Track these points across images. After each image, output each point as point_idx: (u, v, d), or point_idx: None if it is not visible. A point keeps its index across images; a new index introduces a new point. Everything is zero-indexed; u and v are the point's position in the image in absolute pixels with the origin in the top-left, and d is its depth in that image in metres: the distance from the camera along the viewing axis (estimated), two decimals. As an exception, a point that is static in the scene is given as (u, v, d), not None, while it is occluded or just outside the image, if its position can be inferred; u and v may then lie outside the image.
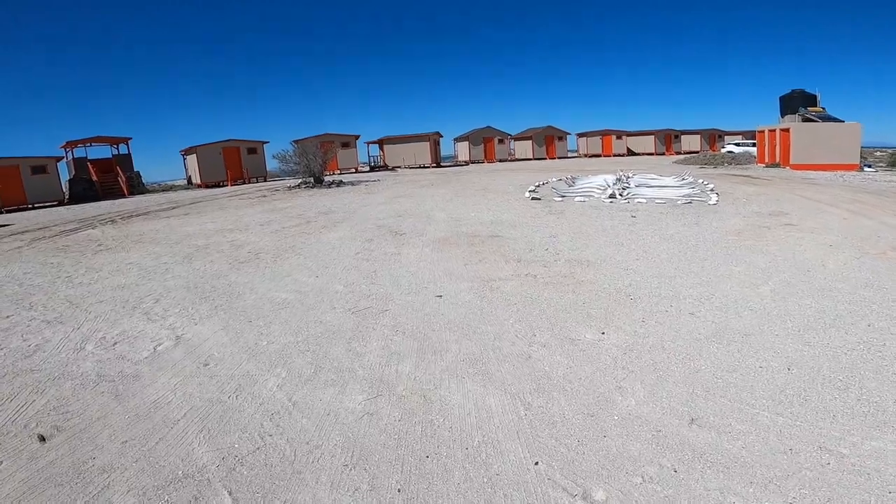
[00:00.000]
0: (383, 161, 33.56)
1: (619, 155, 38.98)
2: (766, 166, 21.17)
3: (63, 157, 24.29)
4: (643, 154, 39.92)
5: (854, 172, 18.65)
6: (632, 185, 12.54)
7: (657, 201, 10.17)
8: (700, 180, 13.72)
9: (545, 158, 37.26)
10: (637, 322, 4.17)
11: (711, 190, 11.71)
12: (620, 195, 10.87)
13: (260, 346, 4.09)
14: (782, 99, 22.60)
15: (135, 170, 27.38)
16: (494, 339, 3.97)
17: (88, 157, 26.43)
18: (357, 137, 31.68)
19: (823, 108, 20.74)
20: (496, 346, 3.86)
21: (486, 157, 35.71)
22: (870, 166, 19.77)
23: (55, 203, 21.77)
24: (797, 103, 21.53)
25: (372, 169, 32.98)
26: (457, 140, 39.00)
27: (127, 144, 27.75)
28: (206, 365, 3.82)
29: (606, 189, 11.53)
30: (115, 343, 4.34)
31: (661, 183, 13.22)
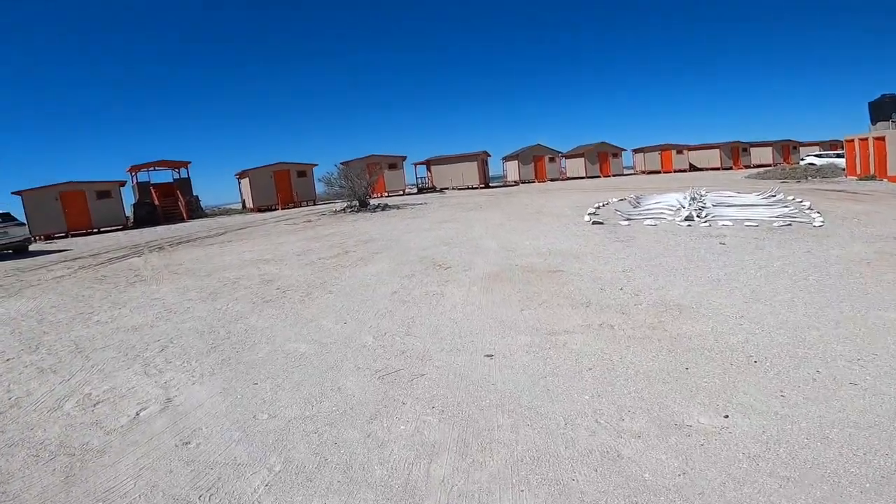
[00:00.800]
0: (431, 182, 33.10)
1: (681, 171, 36.49)
2: (860, 179, 18.65)
3: (127, 182, 25.42)
4: (707, 169, 37.18)
5: None
6: (708, 203, 10.97)
7: (747, 224, 8.63)
8: (790, 196, 11.89)
9: (599, 176, 35.49)
10: (774, 397, 2.94)
11: (810, 208, 9.96)
12: (698, 216, 9.39)
13: (259, 420, 3.20)
14: (871, 105, 20.59)
15: (194, 194, 28.40)
16: (565, 424, 2.86)
17: (151, 182, 27.66)
18: (404, 158, 31.45)
19: None
20: (568, 436, 2.75)
21: (536, 176, 34.46)
22: None
23: (119, 227, 22.68)
24: (889, 109, 19.41)
25: (419, 191, 32.57)
26: (505, 159, 38.06)
27: (187, 168, 28.87)
28: (186, 443, 2.97)
29: (680, 210, 10.07)
30: (98, 403, 3.61)
31: (744, 201, 11.54)
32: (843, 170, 23.38)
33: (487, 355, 3.90)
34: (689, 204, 10.47)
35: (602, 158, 35.89)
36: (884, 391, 2.92)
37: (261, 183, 26.01)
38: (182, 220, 24.48)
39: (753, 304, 4.53)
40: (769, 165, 38.28)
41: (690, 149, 37.38)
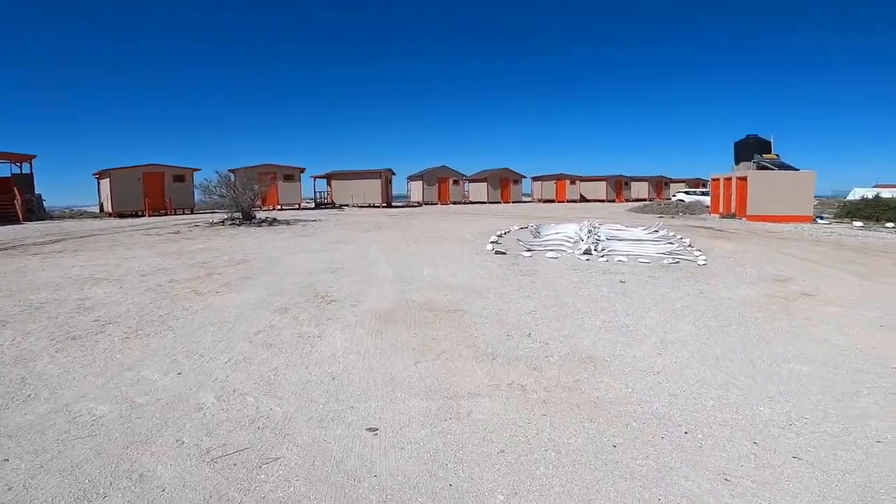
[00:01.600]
0: (330, 198, 31.38)
1: (573, 201, 38.98)
2: (722, 217, 20.63)
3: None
4: (595, 200, 40.19)
5: (807, 224, 18.40)
6: (603, 237, 11.20)
7: (640, 261, 8.76)
8: (671, 233, 12.67)
9: (500, 202, 36.50)
10: (718, 482, 2.41)
11: (690, 245, 10.53)
12: (595, 250, 9.41)
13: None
14: (737, 145, 21.91)
15: (36, 192, 23.86)
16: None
17: (-18, 175, 22.69)
18: (302, 170, 29.48)
19: (777, 155, 20.35)
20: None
21: (440, 198, 34.43)
22: (822, 217, 19.74)
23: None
24: (751, 150, 20.79)
25: (317, 206, 30.71)
26: (410, 179, 37.65)
27: (30, 163, 24.26)
28: None
29: (578, 243, 10.07)
30: None
31: (633, 236, 12.01)
32: (707, 207, 26.24)
33: (371, 429, 2.96)
34: (587, 237, 10.55)
35: (504, 184, 37.05)
36: (831, 465, 2.52)
37: (124, 185, 22.43)
38: (17, 221, 20.29)
39: (666, 356, 4.14)
40: (645, 200, 42.54)
41: (582, 180, 40.20)
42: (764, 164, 19.80)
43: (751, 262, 8.88)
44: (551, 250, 9.84)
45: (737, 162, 21.58)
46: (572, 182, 39.43)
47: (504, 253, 9.42)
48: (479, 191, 36.95)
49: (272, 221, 16.14)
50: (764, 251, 10.42)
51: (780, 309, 5.67)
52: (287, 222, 16.83)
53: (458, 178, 35.73)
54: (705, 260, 8.75)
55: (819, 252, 10.35)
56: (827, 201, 33.30)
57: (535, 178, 40.86)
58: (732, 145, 21.92)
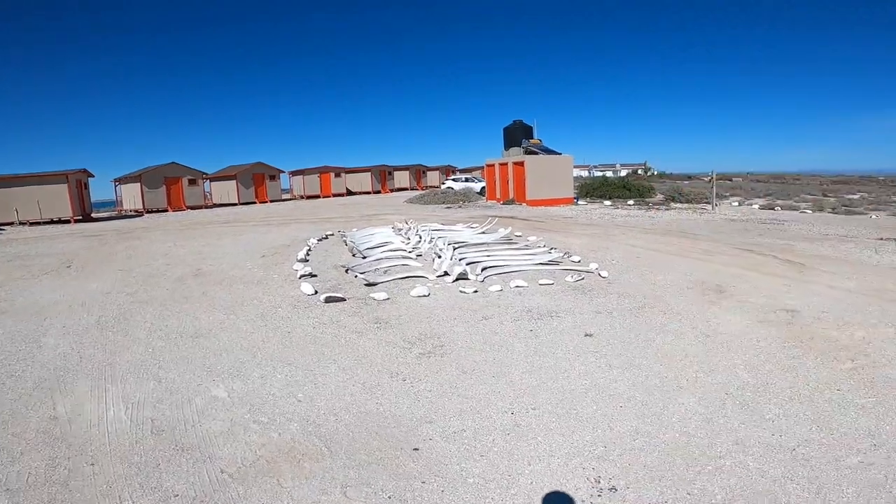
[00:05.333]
0: (-29, 216, 19.69)
1: (339, 195, 35.54)
2: (503, 203, 20.57)
3: None
4: (361, 192, 37.75)
5: (571, 206, 19.82)
6: (441, 244, 8.35)
7: (541, 282, 6.21)
8: (510, 230, 10.81)
9: (255, 202, 30.22)
10: None
11: (566, 254, 8.58)
12: (470, 272, 6.45)
13: None
14: (506, 130, 21.95)
15: None
16: None
17: None
18: None
19: (540, 140, 21.24)
20: None
21: (169, 203, 26.04)
22: (578, 198, 21.73)
23: None
24: (520, 135, 21.00)
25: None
26: (119, 182, 27.58)
27: None
28: None
29: (440, 261, 6.94)
30: None
31: (473, 238, 9.58)
32: (478, 193, 26.69)
33: None
34: (448, 254, 7.48)
35: (258, 181, 30.71)
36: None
37: None
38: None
39: None
40: (407, 189, 42.46)
41: (347, 172, 36.97)
42: (531, 148, 20.41)
43: (646, 265, 7.35)
44: (403, 278, 6.44)
45: (506, 147, 21.86)
46: (337, 175, 35.83)
47: (339, 298, 5.53)
48: (225, 191, 29.71)
49: None
50: (602, 242, 9.38)
51: (816, 365, 3.78)
52: None
53: (196, 177, 27.77)
54: (606, 273, 6.76)
55: (637, 238, 9.94)
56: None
57: (294, 173, 35.66)
58: (503, 131, 22.13)
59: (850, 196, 22.08)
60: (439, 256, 7.12)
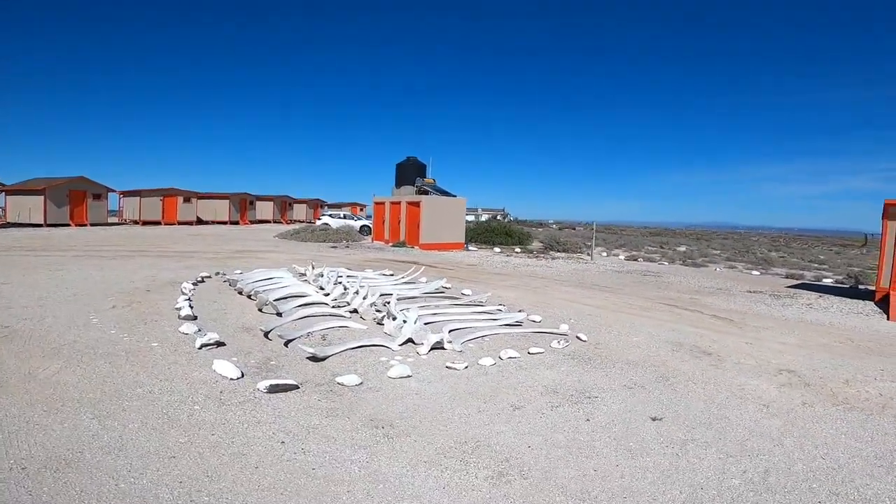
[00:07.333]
0: None
1: (187, 223, 30.34)
2: (393, 245, 19.28)
3: None
4: (216, 222, 32.91)
5: (462, 252, 19.26)
6: (389, 300, 6.89)
7: (531, 350, 5.17)
8: (423, 279, 9.62)
9: (69, 225, 23.95)
10: None
11: (522, 312, 7.74)
12: (445, 340, 5.12)
13: None
14: (399, 167, 20.89)
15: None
16: None
17: None
18: None
19: (434, 179, 20.44)
20: None
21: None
22: (468, 244, 21.35)
23: None
24: (412, 173, 20.06)
25: None
26: None
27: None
28: None
29: (394, 323, 5.45)
30: None
31: (407, 292, 8.23)
32: (359, 232, 24.86)
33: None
34: (412, 318, 6.00)
35: (76, 199, 24.44)
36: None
37: None
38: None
39: None
40: (270, 221, 38.57)
41: (201, 197, 31.84)
42: (425, 188, 19.76)
43: (604, 325, 6.84)
44: (355, 348, 4.82)
45: (398, 185, 20.79)
46: (187, 200, 30.54)
47: (290, 386, 3.72)
48: (26, 207, 22.95)
49: None
50: (561, 302, 8.89)
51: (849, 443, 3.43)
52: None
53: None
54: (585, 336, 6.04)
55: (573, 292, 9.75)
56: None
57: (126, 193, 29.54)
58: (395, 167, 21.09)
59: (679, 248, 26.01)
60: (393, 318, 5.62)
